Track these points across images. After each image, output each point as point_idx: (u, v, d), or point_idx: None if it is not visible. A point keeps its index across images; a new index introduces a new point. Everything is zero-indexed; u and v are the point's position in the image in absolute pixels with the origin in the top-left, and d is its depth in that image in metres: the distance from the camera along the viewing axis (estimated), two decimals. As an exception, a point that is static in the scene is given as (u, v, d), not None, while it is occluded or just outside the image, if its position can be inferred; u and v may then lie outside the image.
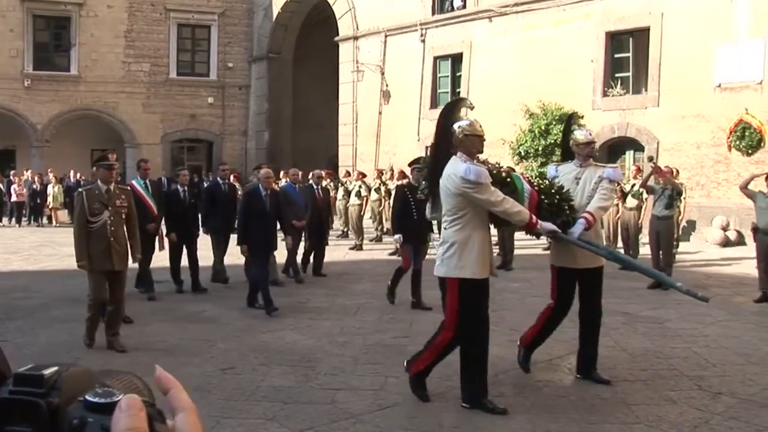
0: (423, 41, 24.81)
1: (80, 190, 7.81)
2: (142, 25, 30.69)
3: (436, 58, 24.73)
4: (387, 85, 26.15)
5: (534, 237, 7.04)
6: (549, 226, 5.65)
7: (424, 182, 6.25)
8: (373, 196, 18.08)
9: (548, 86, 20.33)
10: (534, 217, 5.55)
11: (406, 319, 9.09)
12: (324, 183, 14.23)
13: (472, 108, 6.15)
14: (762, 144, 16.63)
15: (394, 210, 10.41)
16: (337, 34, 28.13)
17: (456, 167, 5.36)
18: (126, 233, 7.67)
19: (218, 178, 12.75)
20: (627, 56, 20.11)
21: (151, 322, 8.95)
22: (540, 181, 6.18)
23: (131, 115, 30.62)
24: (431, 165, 5.87)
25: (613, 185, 6.49)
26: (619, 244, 14.41)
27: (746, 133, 16.79)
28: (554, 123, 19.56)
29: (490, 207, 5.38)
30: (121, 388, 0.77)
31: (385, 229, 18.23)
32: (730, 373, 6.67)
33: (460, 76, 23.96)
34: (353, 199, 17.30)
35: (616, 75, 19.99)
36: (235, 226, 11.12)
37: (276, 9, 30.94)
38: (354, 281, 12.21)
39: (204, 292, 10.96)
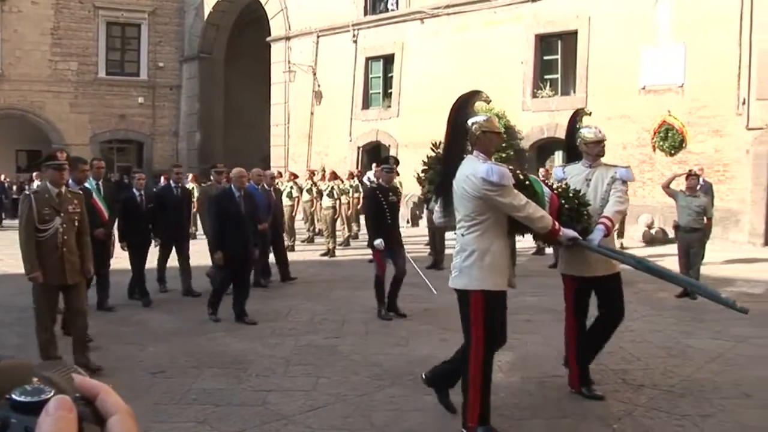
0: (355, 42, 24.85)
1: (27, 193, 6.94)
2: (70, 23, 30.00)
3: (368, 59, 24.80)
4: (319, 86, 26.12)
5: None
6: (570, 233, 5.22)
7: (428, 185, 5.61)
8: (305, 197, 18.01)
9: (479, 87, 20.06)
10: (557, 223, 5.10)
11: (337, 320, 9.11)
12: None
13: (488, 102, 5.66)
14: (684, 145, 17.13)
15: (366, 214, 9.87)
16: (269, 34, 27.98)
17: (475, 168, 4.83)
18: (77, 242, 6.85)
19: (170, 182, 11.65)
20: (556, 58, 20.49)
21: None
22: (559, 185, 5.75)
23: (58, 115, 29.92)
24: (443, 166, 5.23)
25: (627, 186, 6.02)
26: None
27: (669, 134, 17.28)
28: (485, 124, 19.78)
29: (512, 212, 4.86)
30: (61, 381, 0.74)
31: (317, 230, 18.19)
32: (653, 365, 6.87)
33: (392, 76, 24.08)
34: (285, 200, 17.20)
35: (546, 77, 20.35)
36: (189, 233, 10.76)
37: (207, 8, 30.62)
38: (285, 283, 12.14)
39: (149, 305, 10.04)
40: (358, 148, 24.86)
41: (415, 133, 22.40)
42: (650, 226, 17.72)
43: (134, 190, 10.57)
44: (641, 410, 5.66)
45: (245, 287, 9.07)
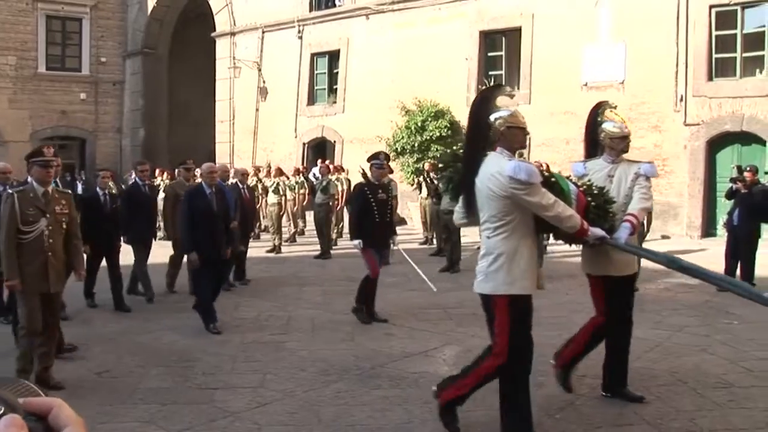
0: (300, 38, 24.77)
1: (10, 191, 6.25)
2: (7, 16, 29.17)
3: (313, 55, 24.75)
4: (264, 82, 25.99)
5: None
6: (599, 232, 4.96)
7: (443, 182, 5.42)
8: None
9: (424, 83, 20.74)
10: (585, 222, 4.84)
11: (284, 317, 9.12)
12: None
13: (512, 96, 5.22)
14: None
15: (352, 211, 9.38)
16: (214, 30, 27.73)
17: (500, 165, 4.57)
18: (65, 246, 6.36)
19: (137, 179, 11.06)
20: (500, 55, 20.73)
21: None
22: (583, 181, 5.50)
23: (-4, 111, 29.22)
24: (464, 163, 4.94)
25: (650, 182, 5.78)
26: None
27: (611, 130, 17.59)
28: (429, 119, 20.00)
29: (541, 211, 4.60)
30: (12, 399, 0.74)
31: (263, 227, 18.12)
32: (593, 356, 6.97)
33: (337, 73, 24.08)
34: (271, 197, 16.83)
35: (490, 73, 20.53)
36: (158, 232, 10.41)
37: (151, 3, 30.18)
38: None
39: (128, 311, 9.50)
40: (304, 144, 24.81)
41: (360, 129, 22.49)
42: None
43: (98, 189, 10.03)
44: (583, 399, 5.81)
45: (217, 290, 8.61)
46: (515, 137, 4.81)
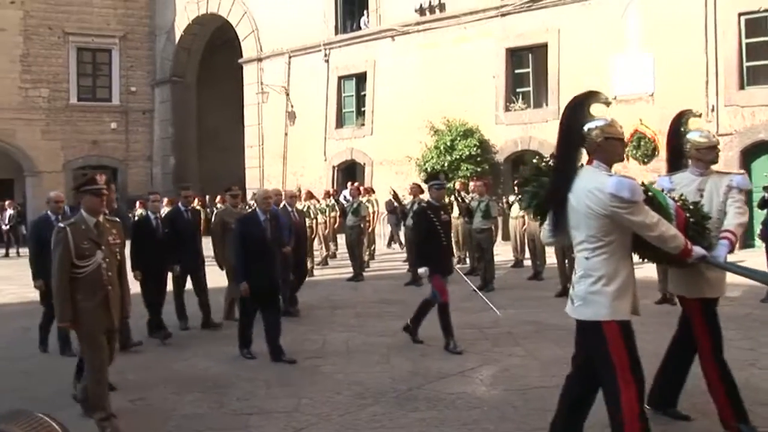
0: (327, 61, 24.90)
1: (61, 225, 5.78)
2: (40, 49, 29.78)
3: (340, 78, 24.85)
4: (292, 106, 26.12)
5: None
6: (700, 251, 4.52)
7: (528, 200, 4.89)
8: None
9: (452, 103, 20.70)
10: (688, 241, 4.43)
11: (317, 340, 9.05)
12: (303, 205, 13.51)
13: (608, 104, 4.60)
14: (656, 153, 17.29)
15: (416, 235, 8.83)
16: (241, 56, 27.97)
17: (600, 181, 4.16)
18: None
19: (179, 204, 10.45)
20: (527, 71, 20.65)
21: (42, 358, 8.64)
22: (678, 195, 5.07)
23: (30, 143, 29.62)
24: (556, 177, 4.49)
25: (744, 195, 5.36)
26: (527, 255, 14.69)
27: (641, 143, 17.47)
28: (459, 139, 19.91)
29: (644, 231, 4.22)
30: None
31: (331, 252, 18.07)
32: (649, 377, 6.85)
33: (364, 95, 24.13)
34: None
35: (518, 90, 20.49)
36: (199, 261, 9.97)
37: (178, 32, 30.58)
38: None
39: (168, 337, 9.16)
40: (333, 167, 24.85)
41: (389, 151, 22.48)
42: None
43: (149, 212, 9.83)
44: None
45: (276, 322, 8.06)
46: (614, 150, 4.40)
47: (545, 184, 4.69)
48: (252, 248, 7.92)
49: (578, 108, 4.49)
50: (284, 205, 11.52)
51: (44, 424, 0.60)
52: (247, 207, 14.26)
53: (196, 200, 19.58)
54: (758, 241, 16.51)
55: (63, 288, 5.59)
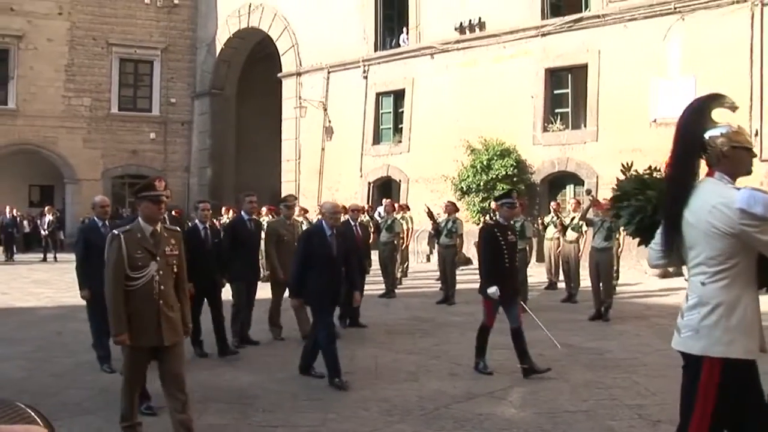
0: (365, 77, 24.96)
1: (115, 232, 5.36)
2: (84, 59, 30.32)
3: (378, 95, 24.89)
4: (330, 121, 26.20)
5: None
6: None
7: (627, 218, 4.10)
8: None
9: (489, 122, 20.60)
10: None
11: (346, 355, 8.97)
12: (361, 218, 12.92)
13: (734, 109, 4.02)
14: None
15: (483, 255, 8.25)
16: (280, 70, 28.16)
17: (726, 195, 3.60)
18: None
19: (243, 213, 10.03)
20: (566, 92, 20.49)
21: (72, 362, 8.66)
22: None
23: (71, 150, 30.11)
24: (671, 189, 3.90)
25: None
26: (561, 277, 14.53)
27: (682, 167, 17.18)
28: (495, 158, 19.80)
29: None
30: (6, 421, 0.68)
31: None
32: (669, 401, 6.68)
33: (402, 112, 24.14)
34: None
35: (556, 110, 20.34)
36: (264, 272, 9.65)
37: (219, 45, 30.90)
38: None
39: (234, 354, 8.89)
40: (369, 183, 24.85)
41: (425, 168, 22.44)
42: (663, 260, 17.52)
43: (197, 222, 9.35)
44: (659, 446, 5.51)
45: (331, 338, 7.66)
46: (742, 160, 3.79)
47: (652, 198, 4.15)
48: (315, 263, 7.50)
49: (699, 112, 3.96)
50: (347, 219, 11.20)
51: (23, 414, 0.57)
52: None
53: (231, 212, 19.75)
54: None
55: (117, 300, 5.21)
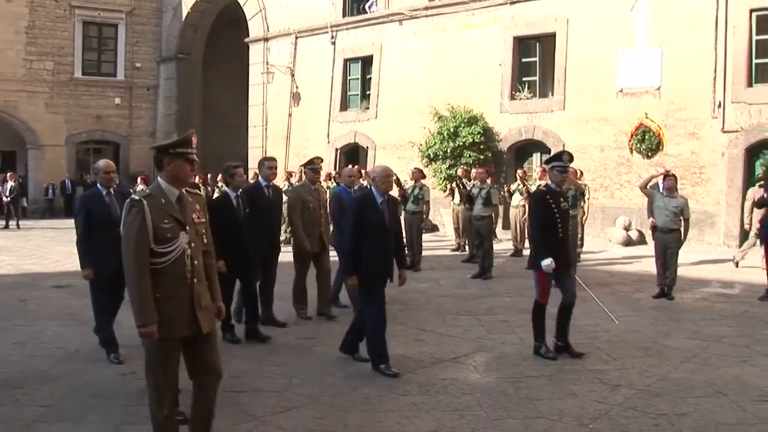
0: (333, 43, 24.77)
1: (136, 197, 4.38)
2: (45, 22, 29.60)
3: (346, 61, 24.73)
4: (297, 87, 26.02)
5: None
6: None
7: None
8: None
9: (457, 89, 20.59)
10: None
11: (312, 321, 9.02)
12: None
13: None
14: (661, 147, 17.21)
15: (533, 224, 7.53)
16: (248, 36, 27.85)
17: None
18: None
19: (260, 179, 8.74)
20: (534, 61, 20.49)
21: (35, 330, 8.59)
22: None
23: (33, 115, 29.50)
24: None
25: None
26: (527, 244, 14.64)
27: (646, 137, 17.37)
28: (463, 125, 19.81)
29: None
30: None
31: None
32: (629, 365, 6.84)
33: (370, 78, 24.02)
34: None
35: (524, 79, 20.36)
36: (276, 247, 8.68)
37: (185, 9, 30.41)
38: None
39: (267, 341, 7.94)
40: (336, 149, 24.77)
41: (393, 135, 22.43)
42: (627, 228, 17.76)
43: (229, 189, 8.23)
44: (618, 410, 5.62)
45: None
46: None
47: None
48: (368, 233, 6.69)
49: None
50: (365, 186, 10.35)
51: None
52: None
53: (197, 177, 19.59)
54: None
55: (142, 281, 4.21)
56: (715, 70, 16.61)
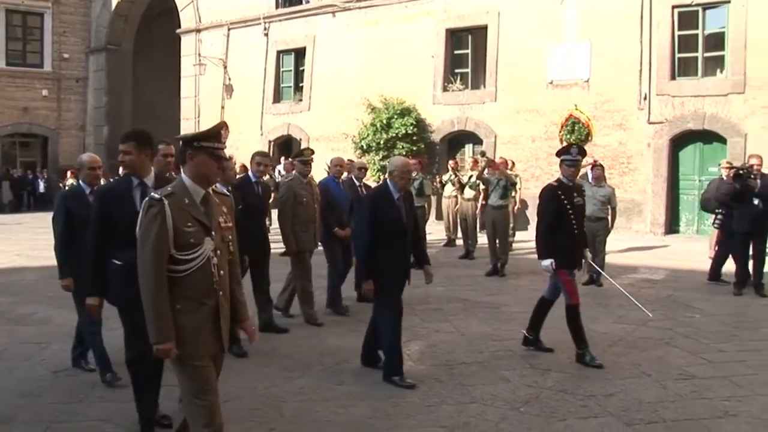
0: (266, 35, 24.64)
1: (156, 195, 3.77)
2: (-35, 10, 28.78)
3: (279, 52, 24.63)
4: (230, 79, 25.82)
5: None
6: None
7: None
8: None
9: (390, 81, 20.70)
10: None
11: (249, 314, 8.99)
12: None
13: None
14: (590, 138, 17.61)
15: (542, 221, 7.04)
16: (179, 27, 27.49)
17: None
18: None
19: (249, 174, 8.11)
20: (466, 53, 20.74)
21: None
22: None
23: (-45, 108, 28.69)
24: None
25: None
26: (459, 234, 14.84)
27: (575, 128, 17.77)
28: (396, 117, 19.94)
29: None
30: None
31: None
32: (559, 350, 7.04)
33: (303, 70, 23.97)
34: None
35: (456, 71, 20.59)
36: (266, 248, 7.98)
37: (115, -1, 29.89)
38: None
39: (284, 331, 7.91)
40: (270, 141, 24.66)
41: (326, 127, 22.44)
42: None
43: (251, 175, 7.86)
44: (548, 393, 5.81)
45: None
46: None
47: None
48: (382, 234, 6.10)
49: None
50: (351, 177, 9.88)
51: None
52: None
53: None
54: (684, 228, 17.06)
55: (160, 291, 3.69)
56: (641, 64, 17.08)
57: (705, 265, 11.55)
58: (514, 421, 5.21)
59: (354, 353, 6.96)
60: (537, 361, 6.69)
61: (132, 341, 4.90)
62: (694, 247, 14.52)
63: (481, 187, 13.51)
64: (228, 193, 4.35)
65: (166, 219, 3.68)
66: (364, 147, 20.45)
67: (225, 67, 25.89)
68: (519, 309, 8.95)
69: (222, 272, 3.85)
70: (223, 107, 26.02)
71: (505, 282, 11.26)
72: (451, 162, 16.47)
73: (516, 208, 14.17)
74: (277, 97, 24.72)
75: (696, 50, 16.89)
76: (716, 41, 16.82)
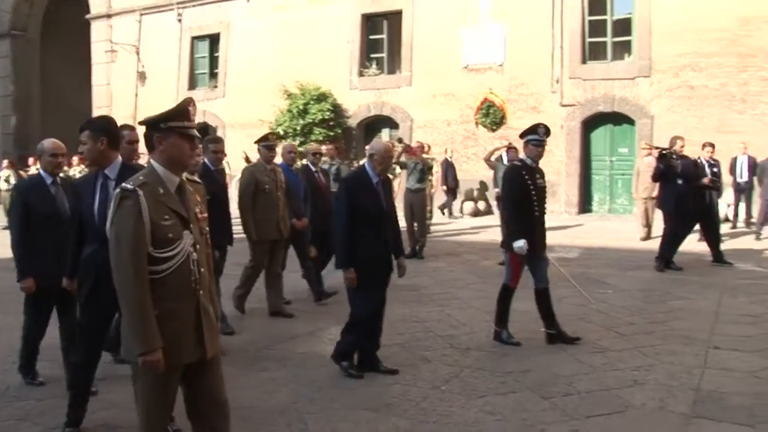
0: (180, 21, 24.22)
1: (129, 186, 3.30)
2: None
3: (193, 39, 24.27)
4: (143, 66, 25.29)
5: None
6: None
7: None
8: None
9: (306, 67, 20.64)
10: None
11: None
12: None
13: None
14: (504, 121, 17.95)
15: (506, 202, 7.03)
16: (89, 12, 26.73)
17: None
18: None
19: (206, 161, 7.40)
20: (382, 38, 20.84)
21: None
22: None
23: None
24: None
25: None
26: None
27: (490, 111, 18.08)
28: (312, 103, 19.90)
29: None
30: None
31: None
32: (478, 329, 7.21)
33: (218, 56, 23.68)
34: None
35: (372, 56, 20.67)
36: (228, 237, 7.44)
37: (19, -18, 28.88)
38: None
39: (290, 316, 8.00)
40: (184, 128, 24.28)
41: (242, 113, 22.25)
42: (475, 200, 18.44)
43: (208, 164, 7.35)
44: (468, 371, 5.94)
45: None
46: None
47: None
48: (362, 218, 5.81)
49: None
50: (306, 164, 9.49)
51: None
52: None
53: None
54: (597, 206, 17.56)
55: (142, 295, 3.24)
56: (553, 48, 17.49)
57: (617, 243, 11.94)
58: (436, 400, 5.32)
59: (275, 339, 6.98)
60: (457, 341, 6.84)
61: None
62: (607, 225, 14.98)
63: (398, 171, 13.60)
64: (200, 181, 3.83)
65: (142, 212, 3.25)
66: (281, 133, 20.35)
67: (138, 54, 25.34)
68: (437, 290, 9.12)
69: (202, 269, 3.45)
70: (136, 95, 25.48)
71: (424, 264, 11.40)
72: (368, 147, 16.54)
73: (433, 191, 14.33)
74: (192, 84, 24.36)
75: (605, 35, 17.37)
76: (624, 26, 17.33)
